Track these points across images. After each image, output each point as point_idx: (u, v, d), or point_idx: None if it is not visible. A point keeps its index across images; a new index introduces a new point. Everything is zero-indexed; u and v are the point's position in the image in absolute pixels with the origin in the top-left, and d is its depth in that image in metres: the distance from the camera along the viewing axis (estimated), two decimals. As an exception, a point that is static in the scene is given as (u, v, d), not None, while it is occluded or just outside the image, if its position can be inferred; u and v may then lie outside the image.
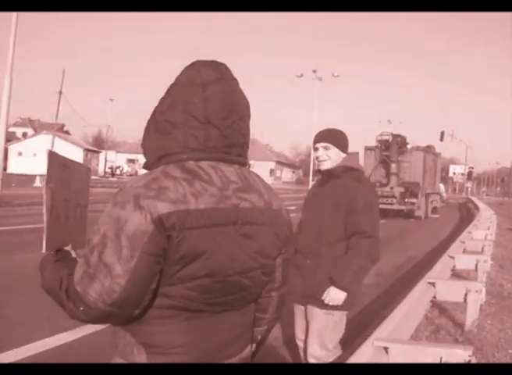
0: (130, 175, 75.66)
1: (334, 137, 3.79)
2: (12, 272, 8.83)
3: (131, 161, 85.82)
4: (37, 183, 39.08)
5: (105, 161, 76.86)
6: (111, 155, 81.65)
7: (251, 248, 1.66)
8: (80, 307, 1.56)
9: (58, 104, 45.99)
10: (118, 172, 75.96)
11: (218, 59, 1.76)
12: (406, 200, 27.00)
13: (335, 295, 3.66)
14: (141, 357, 1.61)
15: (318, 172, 3.88)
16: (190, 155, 1.64)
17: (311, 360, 3.77)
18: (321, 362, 3.75)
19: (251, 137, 2.58)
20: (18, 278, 8.26)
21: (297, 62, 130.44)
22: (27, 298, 7.11)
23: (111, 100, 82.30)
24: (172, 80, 1.76)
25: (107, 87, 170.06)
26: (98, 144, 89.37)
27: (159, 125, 1.69)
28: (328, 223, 3.72)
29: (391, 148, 27.32)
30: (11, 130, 65.48)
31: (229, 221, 1.61)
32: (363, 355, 3.51)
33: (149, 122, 1.73)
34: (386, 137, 27.46)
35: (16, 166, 60.27)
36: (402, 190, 27.05)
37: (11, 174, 42.40)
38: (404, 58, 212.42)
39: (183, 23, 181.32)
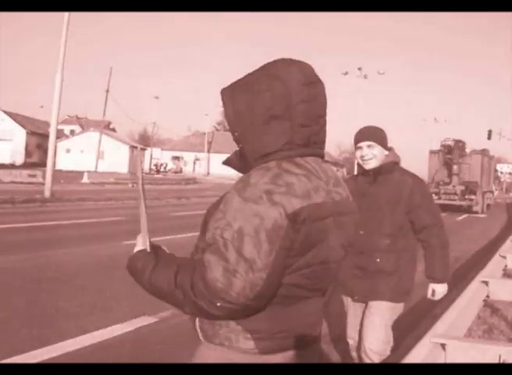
0: (175, 172, 76.33)
1: (376, 135, 3.81)
2: (68, 263, 9.07)
3: (176, 158, 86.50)
4: (85, 179, 39.79)
5: (151, 158, 77.55)
6: (156, 152, 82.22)
7: (342, 236, 1.75)
8: (217, 303, 1.57)
9: (106, 102, 46.96)
10: (162, 169, 76.63)
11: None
12: (466, 197, 30.81)
13: (439, 289, 3.88)
14: (248, 343, 1.67)
15: (362, 170, 3.88)
16: (296, 151, 1.70)
17: (373, 356, 3.77)
18: (382, 356, 3.76)
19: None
20: (73, 271, 8.53)
21: (343, 60, 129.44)
22: (82, 290, 7.34)
23: (156, 98, 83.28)
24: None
25: (152, 84, 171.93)
26: (144, 141, 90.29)
27: (264, 119, 1.70)
28: (389, 220, 3.78)
29: (453, 152, 31.57)
30: (59, 127, 66.47)
31: (331, 213, 1.69)
32: (420, 352, 3.50)
33: (247, 116, 1.72)
34: (449, 143, 32.05)
35: (63, 163, 61.16)
36: (463, 188, 30.94)
37: (59, 171, 43.19)
38: (448, 57, 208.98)
39: (239, 23, 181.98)
